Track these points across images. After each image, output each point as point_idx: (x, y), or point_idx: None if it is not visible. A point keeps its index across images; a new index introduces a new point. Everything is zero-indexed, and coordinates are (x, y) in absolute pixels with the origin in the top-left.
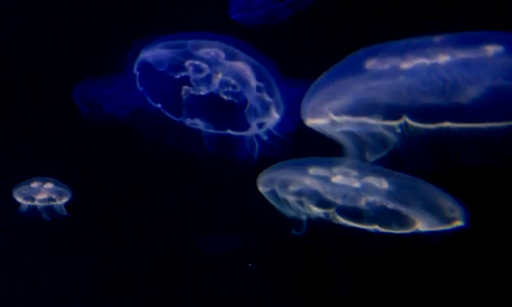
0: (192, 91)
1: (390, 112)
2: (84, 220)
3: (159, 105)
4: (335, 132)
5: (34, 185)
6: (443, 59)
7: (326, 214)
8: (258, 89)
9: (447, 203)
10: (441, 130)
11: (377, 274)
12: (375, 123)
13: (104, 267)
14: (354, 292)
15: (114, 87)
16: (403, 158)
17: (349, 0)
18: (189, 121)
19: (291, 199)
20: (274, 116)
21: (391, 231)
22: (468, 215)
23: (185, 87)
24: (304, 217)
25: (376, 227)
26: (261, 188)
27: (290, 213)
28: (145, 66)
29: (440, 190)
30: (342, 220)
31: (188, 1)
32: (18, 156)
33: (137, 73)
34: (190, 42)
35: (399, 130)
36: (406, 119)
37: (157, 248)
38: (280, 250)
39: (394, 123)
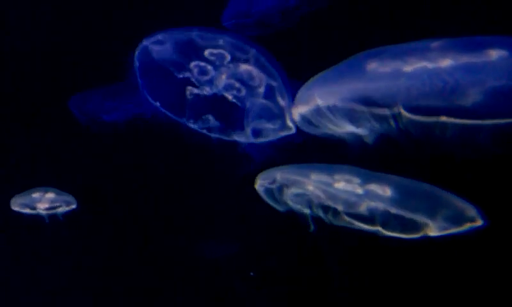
0: (195, 91)
1: (385, 104)
2: (83, 225)
3: (158, 103)
4: (322, 123)
5: (36, 195)
6: (445, 63)
7: (326, 215)
8: (271, 91)
9: (461, 204)
10: (437, 123)
11: (378, 276)
12: (365, 110)
13: (102, 271)
14: (353, 295)
15: (113, 95)
16: (397, 149)
17: (350, 4)
18: (198, 121)
19: (290, 201)
20: (288, 123)
21: (399, 235)
22: (484, 215)
23: (189, 88)
24: (307, 212)
25: (382, 230)
26: (259, 187)
27: (286, 209)
28: (146, 58)
29: (448, 192)
30: (346, 221)
31: (179, 7)
32: (20, 163)
33: (138, 64)
34: (195, 32)
35: (392, 122)
36: (400, 110)
37: (156, 252)
38: (279, 253)
39: (387, 112)
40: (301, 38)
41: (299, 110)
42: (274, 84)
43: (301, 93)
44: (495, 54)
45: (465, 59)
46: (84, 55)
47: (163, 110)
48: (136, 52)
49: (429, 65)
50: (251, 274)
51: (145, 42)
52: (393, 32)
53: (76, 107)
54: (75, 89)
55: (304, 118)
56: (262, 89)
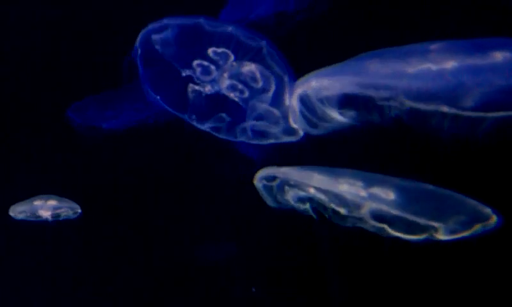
0: (197, 88)
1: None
2: (81, 228)
3: (158, 97)
4: (317, 115)
5: (37, 202)
6: (449, 64)
7: (328, 214)
8: (281, 86)
9: (473, 204)
10: (436, 113)
11: (382, 277)
12: (361, 92)
13: (100, 274)
14: (353, 297)
15: (113, 102)
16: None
17: (349, 8)
18: (210, 119)
19: (290, 200)
20: (293, 126)
21: (405, 236)
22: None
23: (191, 85)
24: (307, 211)
25: (387, 231)
26: (258, 182)
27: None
28: (149, 46)
29: (454, 192)
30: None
31: (175, 10)
32: (20, 170)
33: (140, 51)
34: (202, 19)
35: (389, 111)
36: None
37: (155, 257)
38: (279, 254)
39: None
40: (299, 41)
41: (296, 96)
42: (285, 78)
43: (298, 82)
44: (499, 56)
45: (470, 60)
46: (82, 59)
47: (164, 106)
48: (139, 38)
49: (432, 67)
50: (253, 289)
51: (150, 27)
52: (395, 35)
53: (75, 115)
54: (75, 95)
55: (302, 112)
56: (271, 88)
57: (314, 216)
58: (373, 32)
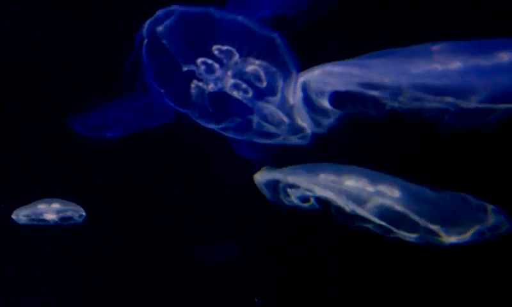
0: (201, 84)
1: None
2: (79, 229)
3: (162, 91)
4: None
5: (42, 206)
6: (455, 65)
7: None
8: (288, 81)
9: (481, 207)
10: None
11: (380, 279)
12: (364, 91)
13: (100, 276)
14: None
15: (116, 106)
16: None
17: (353, 8)
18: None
19: (295, 200)
20: (300, 125)
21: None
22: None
23: (195, 82)
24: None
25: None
26: (261, 183)
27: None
28: (155, 36)
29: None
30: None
31: None
32: (25, 175)
33: (146, 40)
34: (211, 8)
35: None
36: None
37: (156, 257)
38: (279, 254)
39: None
40: (300, 43)
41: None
42: (293, 75)
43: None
44: (505, 57)
45: (475, 61)
46: (83, 62)
47: (168, 101)
48: (146, 26)
49: (438, 67)
50: (255, 300)
51: (157, 13)
52: (395, 36)
53: (78, 119)
54: (78, 99)
55: (305, 108)
56: (279, 86)
57: (318, 214)
58: (374, 34)
